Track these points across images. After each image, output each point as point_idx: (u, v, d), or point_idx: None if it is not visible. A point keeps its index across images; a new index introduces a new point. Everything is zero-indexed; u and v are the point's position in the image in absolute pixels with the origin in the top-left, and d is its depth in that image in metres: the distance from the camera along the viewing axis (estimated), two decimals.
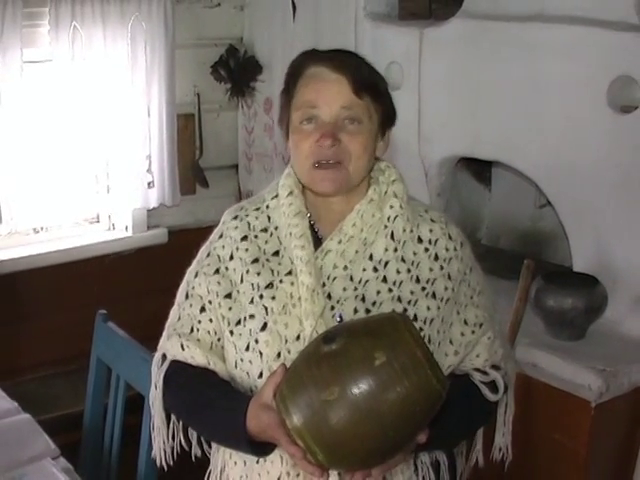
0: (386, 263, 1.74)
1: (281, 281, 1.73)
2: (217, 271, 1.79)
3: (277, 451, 1.68)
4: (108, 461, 2.58)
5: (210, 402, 1.74)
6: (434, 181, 3.35)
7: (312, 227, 1.79)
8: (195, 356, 1.79)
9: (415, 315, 1.71)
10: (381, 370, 1.45)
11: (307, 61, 1.75)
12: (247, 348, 1.72)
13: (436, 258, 1.77)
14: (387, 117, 1.77)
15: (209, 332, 1.80)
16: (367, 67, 1.76)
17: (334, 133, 1.67)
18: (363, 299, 1.71)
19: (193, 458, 1.87)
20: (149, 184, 3.73)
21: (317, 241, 1.76)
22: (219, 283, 1.78)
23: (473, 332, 1.80)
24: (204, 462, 1.91)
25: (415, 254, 1.76)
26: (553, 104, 2.88)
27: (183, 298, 1.85)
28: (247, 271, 1.76)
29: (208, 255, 1.83)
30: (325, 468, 1.53)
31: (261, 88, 4.02)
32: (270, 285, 1.73)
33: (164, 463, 1.89)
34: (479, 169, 3.59)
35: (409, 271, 1.74)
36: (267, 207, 1.83)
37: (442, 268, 1.76)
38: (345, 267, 1.73)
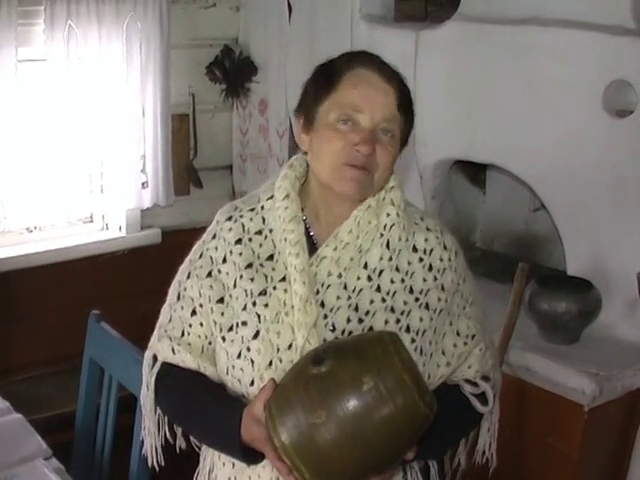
0: (380, 272, 1.73)
1: (275, 288, 1.71)
2: (209, 274, 1.76)
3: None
4: (100, 461, 2.57)
5: (203, 407, 1.73)
6: (429, 184, 3.35)
7: (307, 231, 1.76)
8: (185, 360, 1.78)
9: (408, 326, 1.70)
10: (368, 394, 1.47)
11: (357, 60, 1.71)
12: (239, 355, 1.70)
13: (430, 268, 1.76)
14: (406, 137, 1.76)
15: (200, 336, 1.78)
16: (407, 85, 1.74)
17: (373, 141, 1.65)
18: (356, 308, 1.70)
19: (177, 450, 1.87)
20: (143, 184, 3.72)
21: (312, 246, 1.74)
22: (211, 287, 1.75)
23: (465, 343, 1.79)
24: (197, 464, 1.91)
25: (410, 264, 1.75)
26: (548, 107, 2.88)
27: (175, 299, 1.82)
28: (240, 276, 1.73)
29: (201, 256, 1.79)
30: None
31: (256, 89, 4.01)
32: (263, 292, 1.71)
33: (155, 463, 1.88)
34: (474, 172, 3.59)
35: (403, 281, 1.73)
36: (262, 208, 1.79)
37: (436, 279, 1.75)
38: (339, 275, 1.71)
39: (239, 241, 1.76)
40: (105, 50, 3.49)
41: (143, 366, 1.86)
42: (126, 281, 3.83)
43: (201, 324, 1.77)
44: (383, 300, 1.71)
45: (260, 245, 1.75)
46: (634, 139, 2.67)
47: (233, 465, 1.77)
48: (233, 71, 3.96)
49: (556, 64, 2.83)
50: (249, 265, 1.73)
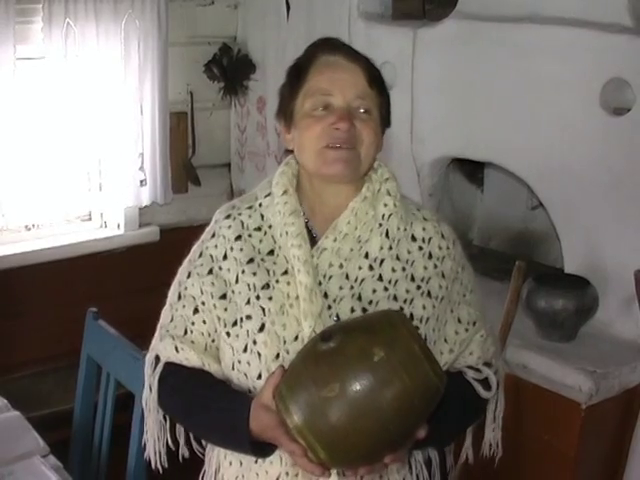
0: (381, 261, 1.74)
1: (277, 281, 1.72)
2: (210, 271, 1.77)
3: (277, 451, 1.67)
4: (98, 459, 2.57)
5: (209, 403, 1.73)
6: (426, 181, 3.35)
7: (306, 224, 1.78)
8: (190, 358, 1.78)
9: (411, 314, 1.72)
10: (380, 366, 1.46)
11: (321, 50, 1.76)
12: (245, 349, 1.71)
13: (430, 257, 1.77)
14: (386, 115, 1.78)
15: (203, 334, 1.78)
16: (373, 62, 1.77)
17: (350, 117, 1.68)
18: (359, 298, 1.71)
19: (180, 459, 1.86)
20: (141, 182, 3.73)
21: (311, 239, 1.76)
22: (213, 284, 1.76)
23: (467, 330, 1.81)
24: (196, 462, 1.91)
25: (409, 252, 1.77)
26: (546, 105, 2.88)
27: (175, 298, 1.83)
28: (242, 271, 1.74)
29: (200, 255, 1.81)
30: (326, 466, 1.54)
31: (254, 87, 4.02)
32: (266, 285, 1.72)
33: (159, 465, 1.88)
34: (471, 170, 3.60)
35: (404, 269, 1.75)
36: (260, 205, 1.81)
37: (436, 267, 1.77)
38: (340, 265, 1.73)
39: (239, 237, 1.77)
40: (103, 48, 3.49)
41: (145, 368, 1.85)
42: (124, 279, 3.84)
43: (204, 322, 1.78)
44: (385, 289, 1.73)
45: (260, 241, 1.77)
46: (631, 137, 2.68)
47: (240, 463, 1.77)
48: (231, 69, 3.97)
49: (553, 62, 2.83)
50: (250, 260, 1.75)
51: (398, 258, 1.75)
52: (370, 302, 1.71)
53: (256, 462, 1.73)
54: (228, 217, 1.81)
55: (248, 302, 1.72)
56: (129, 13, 3.52)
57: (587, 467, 2.71)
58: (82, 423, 2.64)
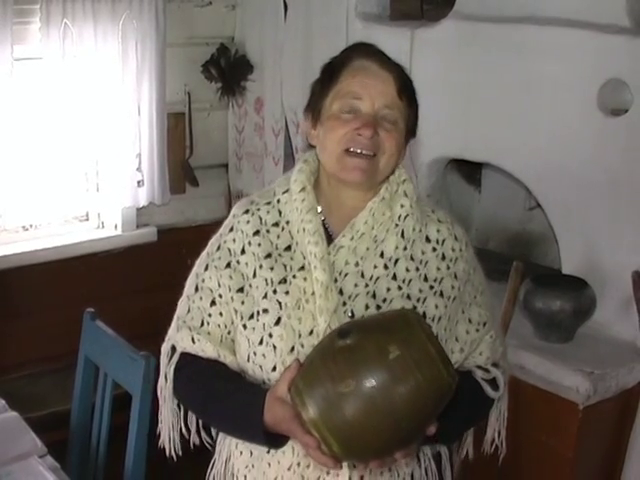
0: (396, 261, 1.77)
1: (294, 276, 1.75)
2: (228, 265, 1.81)
3: (289, 442, 1.70)
4: (95, 459, 2.57)
5: (224, 394, 1.76)
6: (424, 182, 3.35)
7: (322, 223, 1.81)
8: (206, 349, 1.82)
9: (424, 313, 1.75)
10: (395, 364, 1.49)
11: (356, 53, 1.78)
12: (261, 342, 1.74)
13: (443, 258, 1.80)
14: (412, 126, 1.81)
15: (219, 325, 1.82)
16: (407, 74, 1.79)
17: (375, 125, 1.70)
18: (374, 296, 1.74)
19: (191, 446, 1.90)
20: (139, 183, 3.73)
21: (327, 237, 1.79)
22: (231, 277, 1.80)
23: (477, 330, 1.84)
24: (203, 455, 1.93)
25: (423, 253, 1.80)
26: (543, 106, 2.88)
27: (192, 290, 1.87)
28: (260, 266, 1.78)
29: (219, 248, 1.85)
30: (338, 459, 1.56)
31: (252, 87, 4.01)
32: (283, 280, 1.76)
33: (173, 453, 1.91)
34: (469, 171, 3.60)
35: (418, 269, 1.78)
36: (278, 201, 1.84)
37: (449, 268, 1.80)
38: (356, 263, 1.76)
39: (257, 233, 1.81)
40: (101, 48, 3.49)
41: (161, 357, 1.89)
42: (122, 279, 3.84)
43: (220, 314, 1.82)
44: (399, 288, 1.76)
45: (278, 236, 1.81)
46: (628, 138, 2.68)
47: (251, 453, 1.81)
48: (229, 70, 3.97)
49: (551, 63, 2.83)
50: (268, 255, 1.79)
51: (412, 258, 1.79)
52: (384, 300, 1.74)
53: (268, 452, 1.77)
54: (246, 212, 1.85)
55: (265, 296, 1.76)
56: (127, 14, 3.52)
57: (585, 467, 2.71)
58: (79, 423, 2.64)
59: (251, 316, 1.77)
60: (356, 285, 1.75)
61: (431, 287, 1.78)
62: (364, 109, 1.72)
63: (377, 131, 1.70)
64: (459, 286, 1.81)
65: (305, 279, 1.74)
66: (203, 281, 1.85)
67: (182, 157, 4.00)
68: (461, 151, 3.22)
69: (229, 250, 1.83)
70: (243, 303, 1.78)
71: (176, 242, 3.95)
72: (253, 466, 1.81)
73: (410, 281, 1.76)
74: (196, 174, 4.04)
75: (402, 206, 1.80)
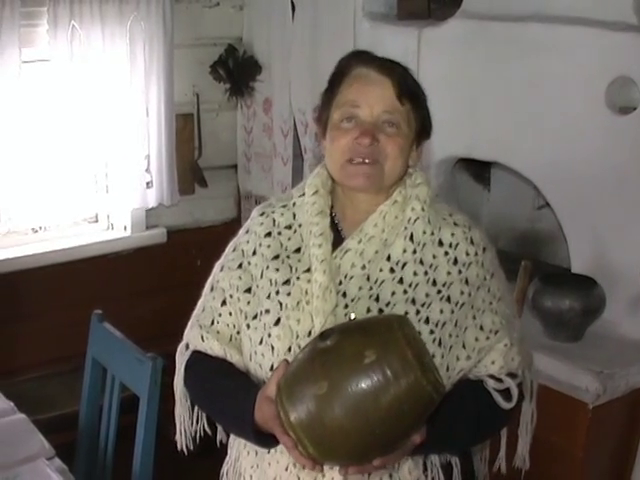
0: (404, 264, 1.76)
1: (298, 278, 1.77)
2: (240, 266, 1.86)
3: None
4: (103, 461, 2.57)
5: (224, 392, 1.80)
6: (432, 181, 3.30)
7: (336, 226, 1.82)
8: (213, 347, 1.86)
9: (427, 317, 1.72)
10: (370, 368, 1.47)
11: (354, 61, 1.78)
12: (261, 342, 1.77)
13: (455, 262, 1.77)
14: (423, 128, 1.80)
15: (228, 325, 1.85)
16: (411, 76, 1.80)
17: (373, 132, 1.70)
18: (377, 299, 1.73)
19: (218, 444, 1.97)
20: (147, 184, 3.73)
21: (340, 240, 1.79)
22: (240, 277, 1.84)
23: (488, 338, 1.78)
24: (200, 462, 1.94)
25: (434, 257, 1.77)
26: (551, 105, 2.87)
27: (208, 290, 1.92)
28: (267, 267, 1.81)
29: (234, 250, 1.90)
30: (317, 461, 1.56)
31: (260, 88, 4.01)
32: (287, 282, 1.78)
33: (184, 447, 1.96)
34: (478, 170, 3.58)
35: (426, 273, 1.76)
36: (294, 204, 1.87)
37: (460, 272, 1.77)
38: (363, 266, 1.75)
39: (268, 234, 1.85)
40: (109, 50, 3.50)
41: (177, 354, 1.94)
42: (131, 280, 3.84)
43: (230, 314, 1.85)
44: (405, 292, 1.74)
45: (289, 238, 1.84)
46: (637, 136, 2.66)
47: (256, 453, 1.83)
48: (237, 70, 3.97)
49: (559, 61, 2.82)
50: (276, 257, 1.82)
51: (422, 262, 1.76)
52: (387, 304, 1.72)
53: (269, 452, 1.77)
54: (262, 214, 1.89)
55: (268, 297, 1.79)
56: (134, 15, 3.52)
57: (595, 467, 2.70)
58: (87, 425, 2.64)
59: (255, 316, 1.80)
60: (360, 288, 1.74)
61: (439, 292, 1.75)
62: (363, 116, 1.72)
63: (377, 138, 1.70)
64: (469, 292, 1.76)
65: (309, 281, 1.75)
66: (218, 281, 1.90)
67: (191, 158, 4.00)
68: (469, 150, 3.21)
69: (242, 251, 1.88)
70: (249, 303, 1.82)
71: (185, 243, 3.96)
72: (258, 466, 1.83)
73: (417, 285, 1.74)
74: (205, 175, 4.04)
75: (413, 209, 1.79)
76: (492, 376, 1.80)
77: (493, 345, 1.79)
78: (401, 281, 1.74)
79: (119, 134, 3.62)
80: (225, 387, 1.80)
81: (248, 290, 1.82)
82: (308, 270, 1.76)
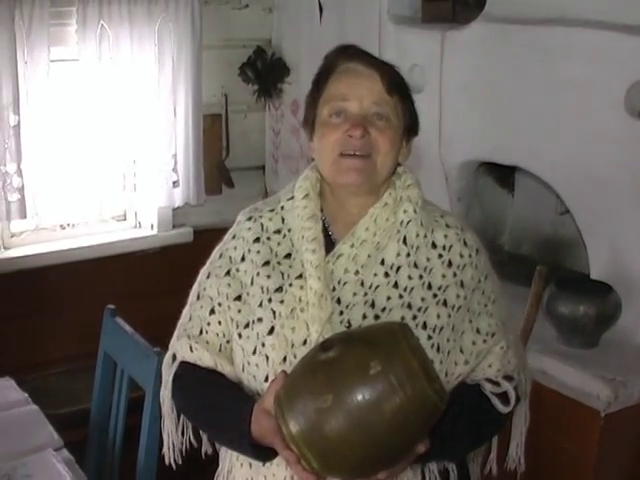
0: (398, 268, 1.72)
1: (291, 285, 1.72)
2: (228, 273, 1.79)
3: None
4: (112, 454, 2.60)
5: (216, 405, 1.74)
6: (454, 185, 3.33)
7: (326, 230, 1.78)
8: (203, 358, 1.79)
9: (425, 323, 1.69)
10: (375, 380, 1.44)
11: (340, 57, 1.76)
12: (254, 352, 1.71)
13: (449, 265, 1.74)
14: (411, 123, 1.78)
15: (218, 334, 1.79)
16: (397, 71, 1.77)
17: (364, 124, 1.67)
18: (372, 305, 1.69)
19: (203, 456, 1.89)
20: (174, 183, 3.76)
21: (331, 244, 1.75)
22: (229, 285, 1.77)
23: (485, 341, 1.76)
24: (205, 463, 1.93)
25: (428, 260, 1.74)
26: (571, 109, 2.84)
27: (195, 298, 1.85)
28: (257, 274, 1.75)
29: (221, 256, 1.83)
30: (320, 475, 1.52)
31: (288, 90, 4.03)
32: (279, 289, 1.72)
33: (172, 461, 1.90)
34: (502, 174, 3.56)
35: (421, 277, 1.72)
36: (282, 208, 1.82)
37: (455, 275, 1.74)
38: (356, 272, 1.71)
39: (257, 240, 1.78)
40: (137, 51, 3.53)
41: (163, 365, 1.88)
42: (157, 279, 3.86)
43: (219, 322, 1.79)
44: (400, 296, 1.70)
45: (278, 244, 1.78)
46: None
47: (250, 466, 1.77)
48: (265, 72, 3.99)
49: (580, 65, 2.78)
50: (266, 263, 1.75)
51: (416, 265, 1.73)
52: (383, 309, 1.69)
53: (264, 465, 1.72)
54: (249, 219, 1.83)
55: (260, 305, 1.73)
56: (163, 16, 3.55)
57: (607, 475, 2.66)
58: (98, 419, 2.67)
59: (246, 325, 1.74)
60: (355, 294, 1.70)
61: (434, 295, 1.71)
62: (352, 109, 1.69)
63: (368, 130, 1.67)
64: (465, 295, 1.74)
65: (302, 287, 1.70)
66: (204, 289, 1.83)
67: (218, 158, 4.03)
68: (491, 154, 3.19)
69: (230, 258, 1.81)
70: (240, 312, 1.75)
71: (212, 243, 3.90)
72: (252, 479, 1.77)
73: (412, 289, 1.71)
74: (233, 176, 4.06)
75: (405, 212, 1.75)
76: (489, 379, 1.78)
77: (490, 348, 1.77)
78: (396, 285, 1.70)
79: (147, 133, 3.65)
80: (218, 400, 1.75)
81: (238, 298, 1.76)
82: (300, 276, 1.72)
